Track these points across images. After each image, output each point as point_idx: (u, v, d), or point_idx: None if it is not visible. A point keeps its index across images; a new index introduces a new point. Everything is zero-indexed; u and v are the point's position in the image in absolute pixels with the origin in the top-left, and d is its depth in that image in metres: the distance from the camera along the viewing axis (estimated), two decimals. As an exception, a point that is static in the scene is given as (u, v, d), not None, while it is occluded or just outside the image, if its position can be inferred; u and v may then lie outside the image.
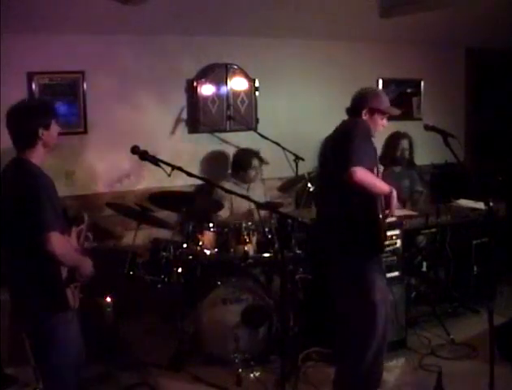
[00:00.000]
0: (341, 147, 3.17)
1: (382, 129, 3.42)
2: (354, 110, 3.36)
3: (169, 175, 2.83)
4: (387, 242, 3.42)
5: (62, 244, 2.61)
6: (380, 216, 3.19)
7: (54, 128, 2.77)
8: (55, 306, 2.68)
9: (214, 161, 5.08)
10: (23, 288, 2.69)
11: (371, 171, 3.16)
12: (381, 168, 3.68)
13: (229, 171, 4.91)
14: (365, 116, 3.32)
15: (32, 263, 2.63)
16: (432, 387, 3.32)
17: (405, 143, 5.03)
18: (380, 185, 3.20)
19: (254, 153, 4.77)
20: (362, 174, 3.04)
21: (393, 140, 4.94)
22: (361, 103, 3.34)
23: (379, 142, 3.53)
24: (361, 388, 3.35)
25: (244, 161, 4.76)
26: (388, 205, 3.24)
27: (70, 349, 2.75)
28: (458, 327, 4.42)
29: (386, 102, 3.40)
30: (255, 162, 4.76)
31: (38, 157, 2.73)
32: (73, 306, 2.72)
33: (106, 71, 4.54)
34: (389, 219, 3.41)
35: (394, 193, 3.24)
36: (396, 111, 3.48)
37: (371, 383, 3.37)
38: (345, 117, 3.45)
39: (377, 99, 3.36)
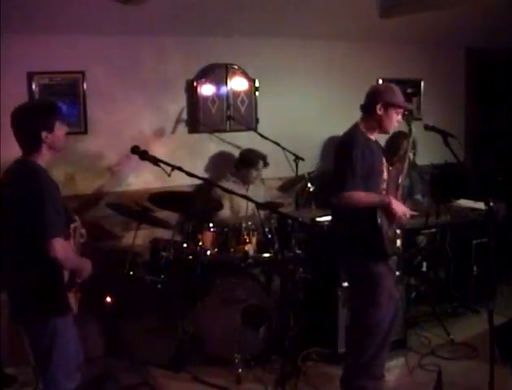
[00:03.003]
0: (335, 167, 3.31)
1: (397, 125, 3.40)
2: (368, 105, 3.34)
3: (169, 175, 2.84)
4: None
5: (65, 250, 2.59)
6: (379, 221, 3.20)
7: (60, 130, 2.71)
8: (57, 310, 2.66)
9: (214, 161, 5.07)
10: (25, 292, 2.65)
11: (371, 181, 3.24)
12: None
13: (230, 171, 4.90)
14: (379, 111, 3.29)
15: (35, 267, 2.61)
16: (432, 387, 3.33)
17: (406, 143, 5.01)
18: (372, 201, 3.24)
19: (261, 156, 4.75)
20: (346, 199, 3.19)
21: (396, 139, 4.92)
22: (375, 98, 3.32)
23: (381, 141, 3.51)
24: (361, 383, 3.37)
25: (249, 160, 4.73)
26: (389, 215, 3.26)
27: (70, 352, 2.74)
28: (458, 327, 4.43)
29: (400, 97, 3.37)
30: (260, 164, 4.75)
31: (43, 159, 2.68)
32: (74, 310, 2.71)
33: (106, 71, 4.53)
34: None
35: (392, 203, 3.24)
36: (410, 106, 3.48)
37: (372, 378, 3.38)
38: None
39: (391, 93, 3.33)
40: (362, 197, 3.23)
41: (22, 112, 2.71)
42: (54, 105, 2.86)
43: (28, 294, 2.65)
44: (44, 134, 2.64)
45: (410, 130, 3.44)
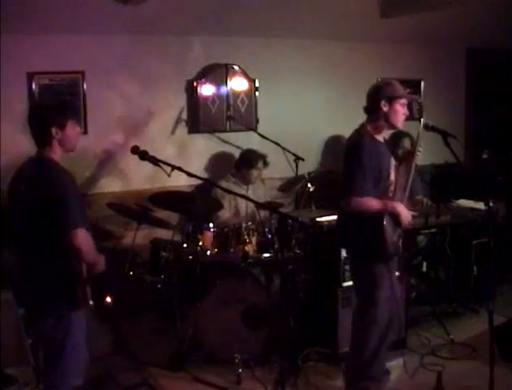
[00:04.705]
0: (343, 171, 3.29)
1: (404, 118, 3.35)
2: (372, 105, 3.32)
3: (169, 175, 2.84)
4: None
5: (88, 241, 2.66)
6: (385, 223, 3.20)
7: (71, 129, 2.77)
8: (75, 304, 2.70)
9: (214, 161, 5.07)
10: (43, 286, 2.68)
11: (380, 185, 3.23)
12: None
13: (230, 172, 4.90)
14: (385, 107, 3.26)
15: (56, 261, 2.65)
16: (432, 387, 3.33)
17: (406, 142, 5.01)
18: (378, 207, 3.22)
19: (261, 156, 4.76)
20: (355, 204, 3.20)
21: (394, 139, 4.91)
22: (377, 95, 3.30)
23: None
24: (363, 383, 3.37)
25: (250, 160, 4.74)
26: (396, 219, 3.26)
27: (81, 347, 2.79)
28: (458, 327, 4.42)
29: (401, 89, 3.35)
30: (260, 163, 4.75)
31: (56, 156, 2.74)
32: (90, 303, 2.77)
33: (106, 71, 4.54)
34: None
35: (401, 211, 3.24)
36: (413, 97, 3.46)
37: (372, 379, 3.39)
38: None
39: (392, 87, 3.32)
40: (372, 204, 3.21)
41: (36, 108, 2.89)
42: (68, 104, 3.02)
43: (46, 287, 2.68)
44: (54, 130, 2.70)
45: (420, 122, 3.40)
